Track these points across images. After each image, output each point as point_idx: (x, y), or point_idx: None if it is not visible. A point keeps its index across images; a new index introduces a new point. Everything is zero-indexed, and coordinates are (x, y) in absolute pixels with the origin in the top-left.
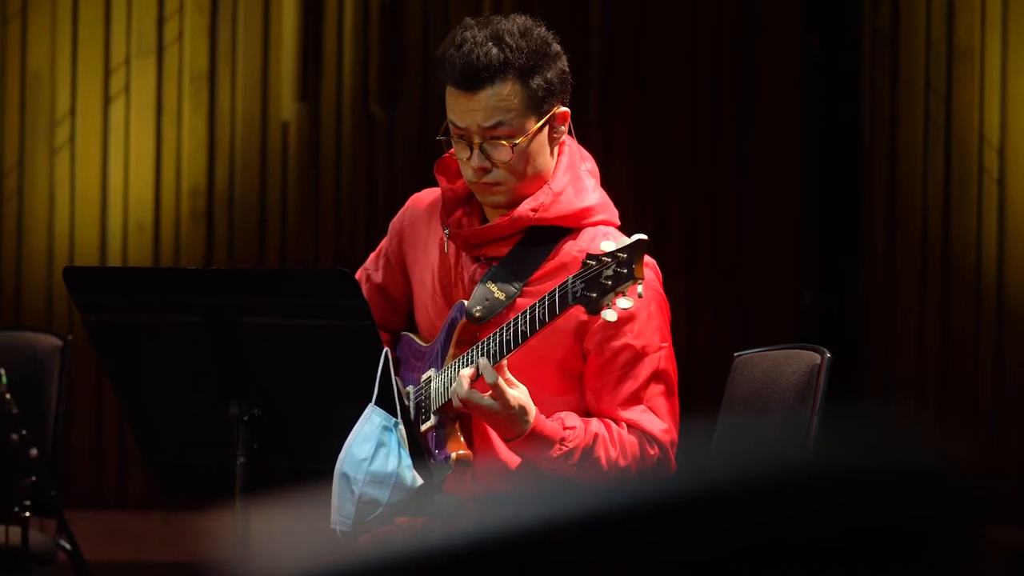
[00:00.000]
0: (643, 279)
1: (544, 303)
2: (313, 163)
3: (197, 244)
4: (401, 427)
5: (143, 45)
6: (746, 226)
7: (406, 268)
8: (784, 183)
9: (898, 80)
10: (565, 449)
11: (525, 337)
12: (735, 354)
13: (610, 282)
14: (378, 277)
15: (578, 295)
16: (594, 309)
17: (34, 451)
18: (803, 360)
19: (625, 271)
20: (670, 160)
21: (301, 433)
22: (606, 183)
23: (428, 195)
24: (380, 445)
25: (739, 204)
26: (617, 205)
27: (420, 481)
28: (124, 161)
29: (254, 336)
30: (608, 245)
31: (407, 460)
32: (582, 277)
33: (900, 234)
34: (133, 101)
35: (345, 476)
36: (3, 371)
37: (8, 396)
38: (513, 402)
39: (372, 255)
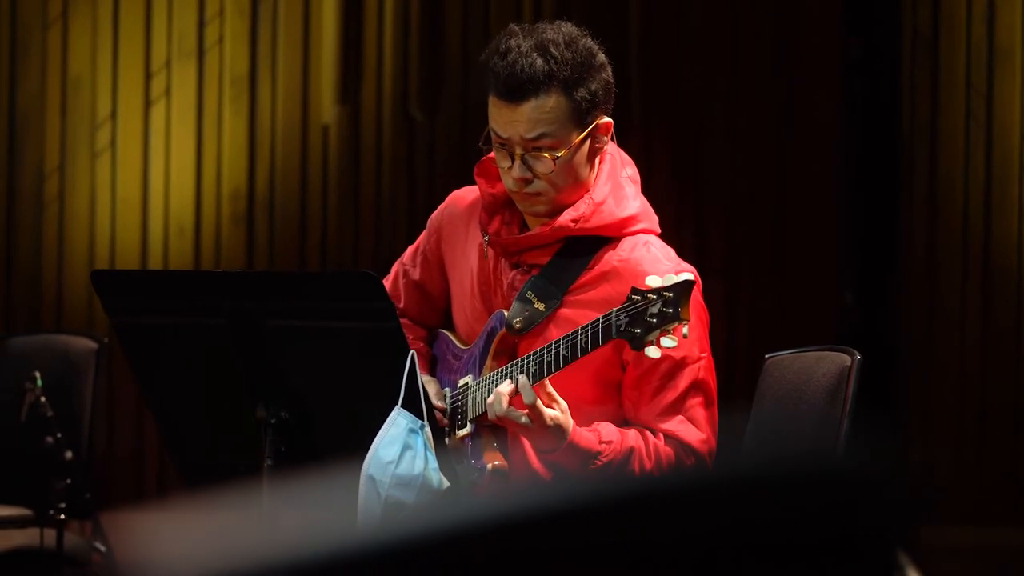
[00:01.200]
0: (689, 320)
1: (587, 331)
2: (354, 166)
3: (238, 247)
4: (427, 429)
5: (184, 48)
6: (786, 227)
7: (444, 266)
8: (824, 184)
9: (939, 80)
10: (599, 464)
11: (566, 362)
12: (766, 356)
13: (655, 320)
14: (415, 274)
15: (622, 329)
16: (637, 345)
17: (69, 454)
18: (833, 362)
19: (671, 311)
20: (710, 161)
21: (328, 435)
22: (646, 184)
23: (468, 194)
24: (406, 448)
25: (779, 205)
26: (657, 206)
27: (447, 483)
28: (165, 165)
29: (280, 338)
30: (654, 280)
31: (433, 463)
32: (627, 311)
33: (941, 235)
34: (174, 105)
35: (371, 479)
36: (38, 374)
37: (43, 399)
38: (550, 422)
39: (410, 249)
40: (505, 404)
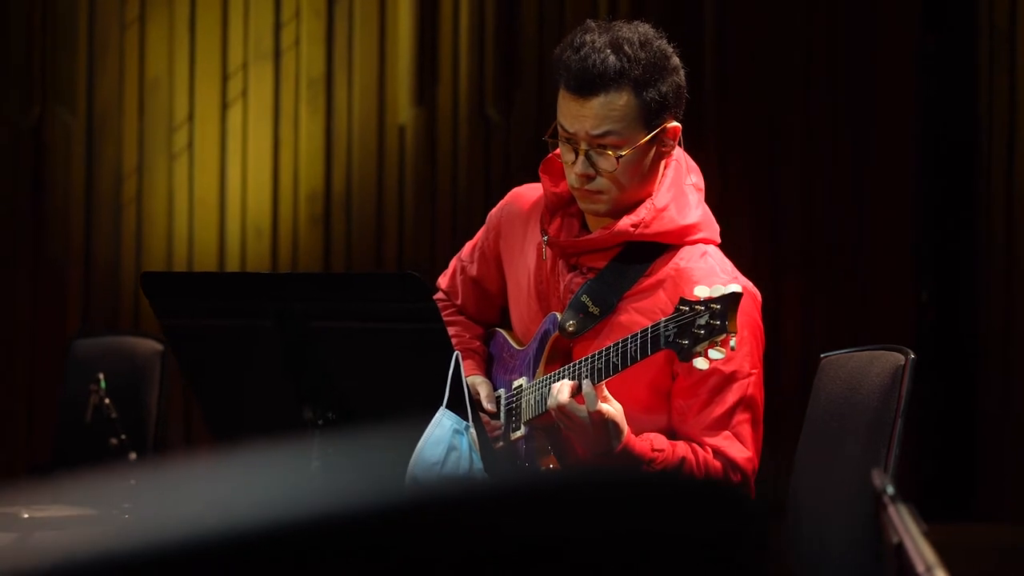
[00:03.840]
0: (738, 333)
1: (637, 340)
2: (430, 167)
3: (315, 248)
4: (472, 430)
5: (260, 50)
6: (862, 225)
7: (501, 263)
8: (901, 181)
9: (1016, 77)
10: (652, 470)
11: (616, 370)
12: (821, 355)
13: (703, 331)
14: (473, 270)
15: (670, 340)
16: (685, 357)
17: (133, 455)
18: (888, 361)
19: (718, 323)
20: (785, 159)
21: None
22: (722, 183)
23: (529, 191)
24: (451, 449)
25: (855, 202)
26: (733, 204)
27: None
28: (242, 166)
29: (325, 339)
30: (702, 290)
31: (479, 463)
32: (675, 321)
33: (1018, 232)
34: (250, 106)
35: (416, 480)
36: (102, 376)
37: (107, 401)
38: (607, 417)
39: (468, 245)
40: (567, 393)
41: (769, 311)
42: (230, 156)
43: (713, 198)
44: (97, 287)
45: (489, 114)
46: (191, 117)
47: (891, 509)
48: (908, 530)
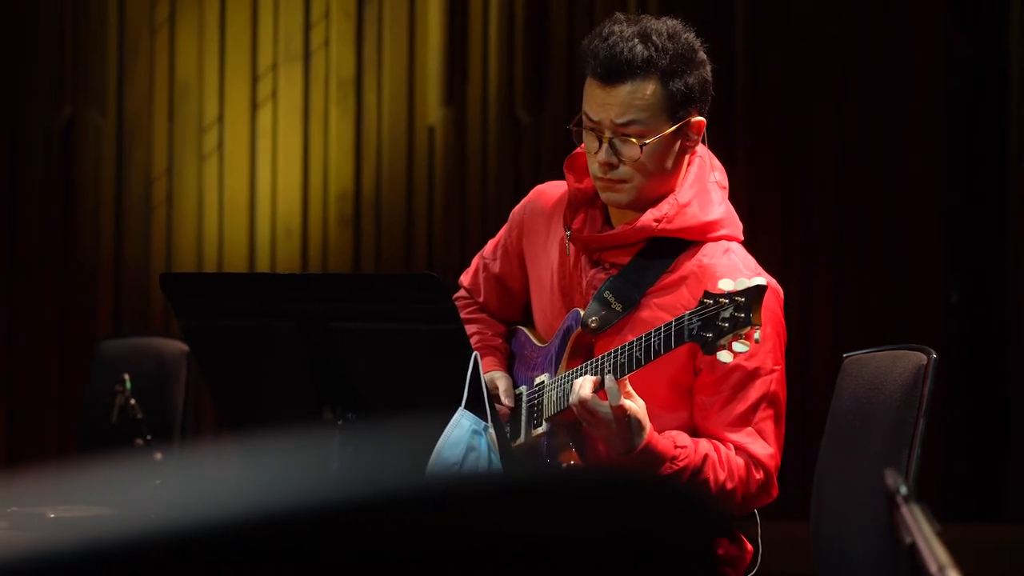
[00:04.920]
0: (761, 325)
1: (660, 334)
2: (459, 167)
3: (345, 249)
4: (491, 430)
5: (290, 51)
6: (892, 226)
7: (524, 260)
8: (930, 181)
9: None
10: (675, 468)
11: (639, 364)
12: (844, 355)
13: (727, 324)
14: (495, 267)
15: (694, 333)
16: (709, 350)
17: (159, 456)
18: (910, 360)
19: (743, 316)
20: (816, 159)
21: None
22: (751, 181)
23: (553, 189)
24: (470, 449)
25: (885, 203)
26: (763, 204)
27: None
28: (272, 167)
29: (346, 340)
30: (726, 283)
31: (498, 464)
32: (699, 315)
33: None
34: (280, 107)
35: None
36: (127, 376)
37: (133, 402)
38: (629, 414)
39: (491, 243)
40: (589, 389)
41: (799, 312)
42: (260, 157)
43: (743, 197)
44: (127, 289)
45: (518, 115)
46: (221, 118)
47: (904, 509)
48: (921, 530)
